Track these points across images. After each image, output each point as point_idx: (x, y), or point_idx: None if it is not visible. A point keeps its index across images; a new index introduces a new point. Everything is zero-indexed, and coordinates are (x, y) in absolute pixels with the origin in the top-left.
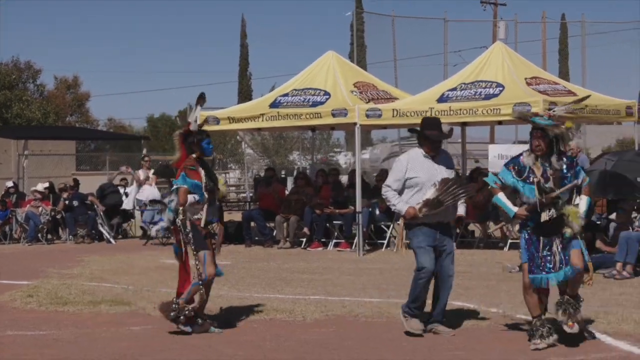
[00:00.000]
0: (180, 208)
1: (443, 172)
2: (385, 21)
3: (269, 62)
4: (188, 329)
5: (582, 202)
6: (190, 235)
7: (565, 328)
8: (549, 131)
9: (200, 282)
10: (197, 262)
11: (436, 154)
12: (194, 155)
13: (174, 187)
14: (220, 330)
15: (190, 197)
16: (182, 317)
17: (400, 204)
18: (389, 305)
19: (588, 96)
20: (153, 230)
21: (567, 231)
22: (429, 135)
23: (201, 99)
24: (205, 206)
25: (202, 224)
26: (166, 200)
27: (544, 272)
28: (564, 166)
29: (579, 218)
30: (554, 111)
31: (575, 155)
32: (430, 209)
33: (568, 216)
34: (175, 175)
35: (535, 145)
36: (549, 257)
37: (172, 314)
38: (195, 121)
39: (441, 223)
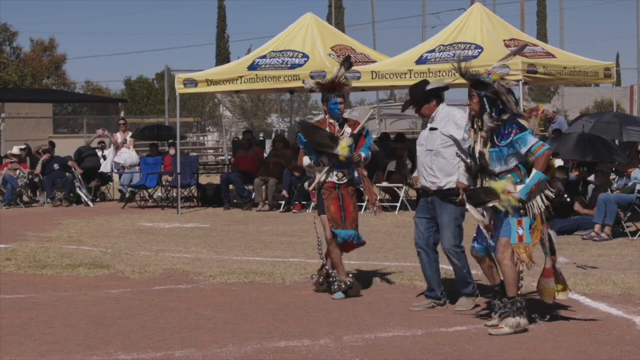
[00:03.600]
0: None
1: (434, 136)
2: None
3: (247, 24)
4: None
5: (530, 176)
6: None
7: (490, 330)
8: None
9: (328, 246)
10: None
11: (427, 119)
12: (326, 116)
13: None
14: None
15: (305, 159)
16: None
17: None
18: (368, 267)
19: (525, 45)
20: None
21: (497, 206)
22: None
23: (347, 61)
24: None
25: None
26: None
27: (476, 242)
28: (499, 133)
29: (504, 194)
30: (492, 68)
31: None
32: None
33: (494, 190)
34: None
35: (467, 104)
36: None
37: (343, 286)
38: (335, 79)
39: (427, 190)
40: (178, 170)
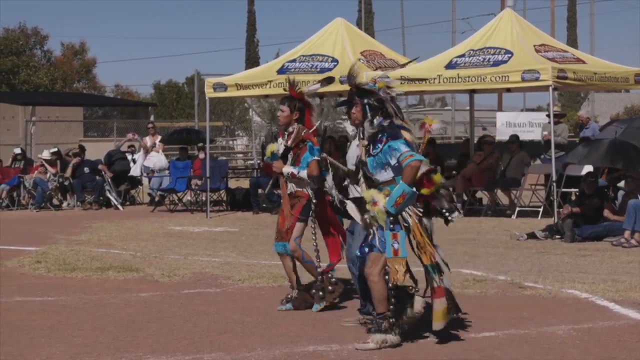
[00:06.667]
0: None
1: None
2: None
3: (276, 29)
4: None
5: (395, 188)
6: None
7: (356, 345)
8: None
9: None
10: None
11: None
12: None
13: None
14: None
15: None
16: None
17: None
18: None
19: (415, 59)
20: None
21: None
22: None
23: (326, 81)
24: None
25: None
26: None
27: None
28: (375, 143)
29: (369, 204)
30: (379, 77)
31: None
32: None
33: (364, 200)
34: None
35: (352, 113)
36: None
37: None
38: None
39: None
40: (207, 174)
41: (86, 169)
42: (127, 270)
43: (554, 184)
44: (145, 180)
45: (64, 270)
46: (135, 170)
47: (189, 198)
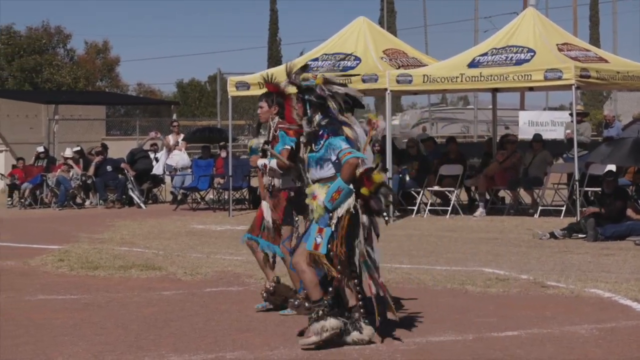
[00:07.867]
0: None
1: None
2: None
3: (299, 28)
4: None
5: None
6: None
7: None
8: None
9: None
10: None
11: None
12: None
13: None
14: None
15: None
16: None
17: None
18: (419, 271)
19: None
20: None
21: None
22: None
23: (303, 70)
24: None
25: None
26: None
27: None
28: (316, 139)
29: (309, 198)
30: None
31: (377, 128)
32: None
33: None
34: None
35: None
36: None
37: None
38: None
39: None
40: (230, 173)
41: (109, 168)
42: (149, 269)
43: (577, 183)
44: (167, 179)
45: (86, 268)
46: (157, 169)
47: (211, 196)
